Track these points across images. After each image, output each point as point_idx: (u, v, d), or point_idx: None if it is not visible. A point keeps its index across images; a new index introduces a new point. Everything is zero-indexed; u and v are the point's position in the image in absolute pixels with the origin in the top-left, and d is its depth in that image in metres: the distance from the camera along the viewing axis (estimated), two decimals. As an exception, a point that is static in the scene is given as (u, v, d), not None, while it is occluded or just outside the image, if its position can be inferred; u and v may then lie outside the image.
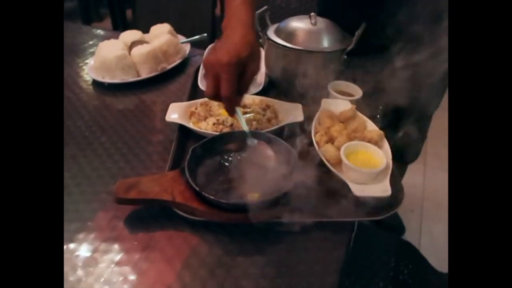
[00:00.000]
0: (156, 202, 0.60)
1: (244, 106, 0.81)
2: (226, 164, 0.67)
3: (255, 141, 0.68)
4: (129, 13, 2.68)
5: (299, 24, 0.87)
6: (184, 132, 0.78)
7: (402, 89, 0.76)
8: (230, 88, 0.61)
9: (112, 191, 0.60)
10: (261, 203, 0.56)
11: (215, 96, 0.63)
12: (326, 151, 0.69)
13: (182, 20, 1.23)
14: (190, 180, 0.59)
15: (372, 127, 0.76)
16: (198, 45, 1.16)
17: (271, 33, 0.89)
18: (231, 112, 0.67)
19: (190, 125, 0.77)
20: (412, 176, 1.40)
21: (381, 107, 0.86)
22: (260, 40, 0.94)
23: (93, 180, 0.69)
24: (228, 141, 0.70)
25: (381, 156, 0.67)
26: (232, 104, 0.65)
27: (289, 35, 0.86)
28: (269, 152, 0.66)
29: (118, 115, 0.88)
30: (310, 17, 0.87)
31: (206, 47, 1.15)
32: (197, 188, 0.58)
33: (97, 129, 0.83)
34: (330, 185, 0.65)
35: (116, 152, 0.76)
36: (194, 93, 0.92)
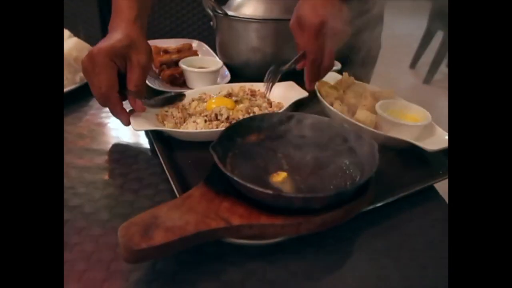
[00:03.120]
0: (200, 239, 0.36)
1: (230, 95, 0.62)
2: (276, 154, 0.47)
3: None
4: None
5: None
6: (162, 145, 0.54)
7: None
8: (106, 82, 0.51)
9: (120, 242, 0.33)
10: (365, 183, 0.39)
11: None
12: (364, 117, 0.56)
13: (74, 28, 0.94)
14: (242, 182, 0.37)
15: (377, 88, 0.67)
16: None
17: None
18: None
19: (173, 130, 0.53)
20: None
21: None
22: (211, 23, 0.76)
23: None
24: (252, 129, 0.49)
25: (417, 108, 0.59)
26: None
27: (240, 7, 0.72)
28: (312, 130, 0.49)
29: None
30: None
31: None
32: (269, 191, 0.36)
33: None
34: (389, 151, 0.53)
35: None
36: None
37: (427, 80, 3.05)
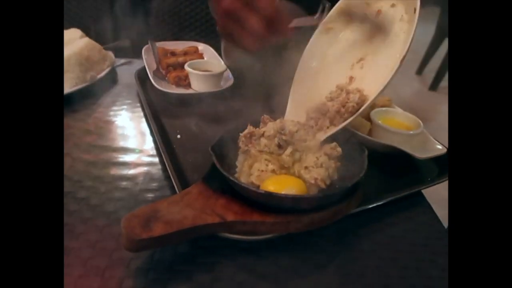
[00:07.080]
0: (196, 232, 0.39)
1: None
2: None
3: None
4: None
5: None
6: (165, 144, 0.57)
7: None
8: None
9: (122, 232, 0.36)
10: (355, 184, 0.42)
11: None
12: (359, 123, 0.59)
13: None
14: (237, 182, 0.40)
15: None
16: (120, 54, 0.93)
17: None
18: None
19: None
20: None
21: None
22: (217, 28, 0.79)
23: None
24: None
25: (411, 117, 0.61)
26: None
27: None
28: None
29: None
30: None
31: (131, 56, 0.93)
32: (261, 191, 0.39)
33: None
34: (381, 157, 0.55)
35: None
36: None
37: (433, 86, 3.05)
